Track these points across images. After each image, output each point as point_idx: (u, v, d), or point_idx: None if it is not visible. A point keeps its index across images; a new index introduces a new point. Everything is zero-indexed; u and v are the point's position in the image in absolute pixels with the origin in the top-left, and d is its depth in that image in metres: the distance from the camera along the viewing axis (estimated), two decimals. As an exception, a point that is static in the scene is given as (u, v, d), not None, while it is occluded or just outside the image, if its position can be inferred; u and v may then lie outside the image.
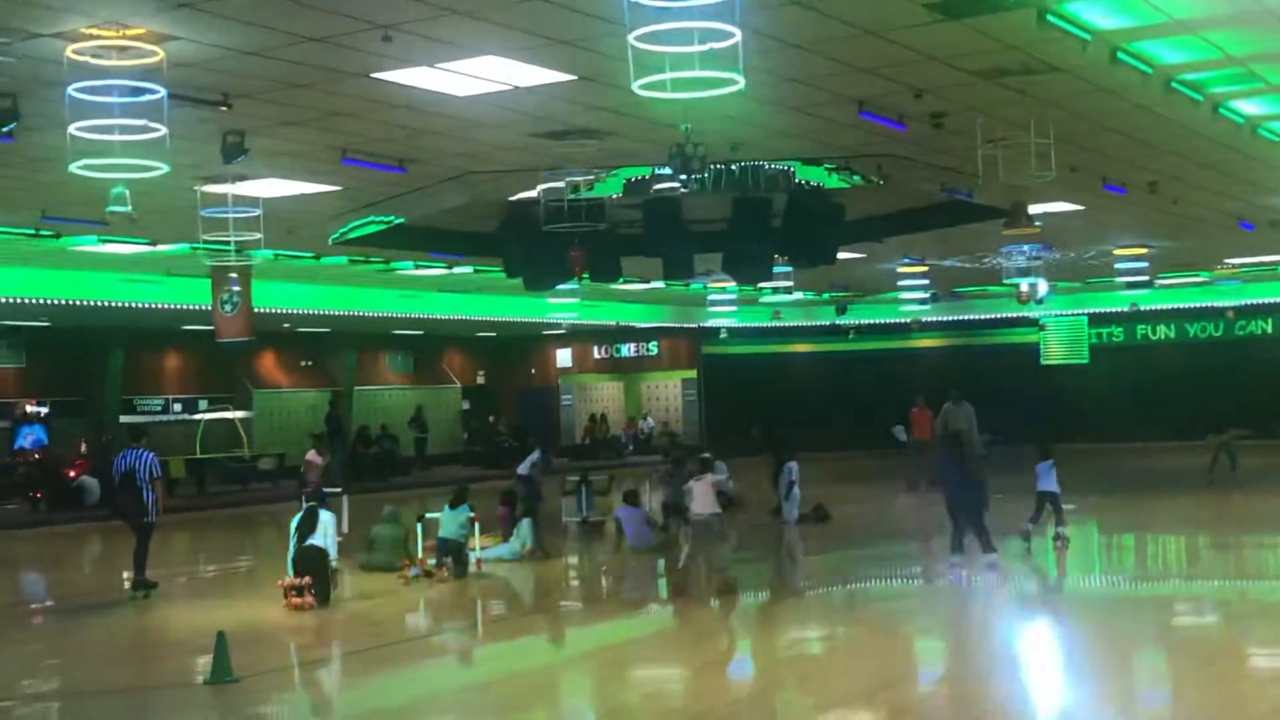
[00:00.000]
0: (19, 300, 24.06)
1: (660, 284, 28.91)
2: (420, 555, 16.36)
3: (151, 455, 15.14)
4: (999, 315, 37.56)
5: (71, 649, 12.62)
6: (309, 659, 12.08)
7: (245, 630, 12.05)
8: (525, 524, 17.47)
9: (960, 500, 14.78)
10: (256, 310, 20.70)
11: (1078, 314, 38.23)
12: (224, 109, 12.24)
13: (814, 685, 10.21)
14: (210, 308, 20.53)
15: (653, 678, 10.93)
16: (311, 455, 19.90)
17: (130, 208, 12.93)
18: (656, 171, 16.66)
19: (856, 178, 16.98)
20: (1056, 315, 37.69)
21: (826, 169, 16.88)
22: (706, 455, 15.39)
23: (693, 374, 41.30)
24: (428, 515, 17.06)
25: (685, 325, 39.45)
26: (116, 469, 15.37)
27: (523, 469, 20.66)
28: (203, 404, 34.13)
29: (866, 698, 9.53)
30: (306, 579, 13.68)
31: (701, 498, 14.19)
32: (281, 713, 10.26)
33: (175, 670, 11.42)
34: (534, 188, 16.03)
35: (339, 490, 19.43)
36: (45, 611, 15.54)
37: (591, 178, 15.43)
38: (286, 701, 10.64)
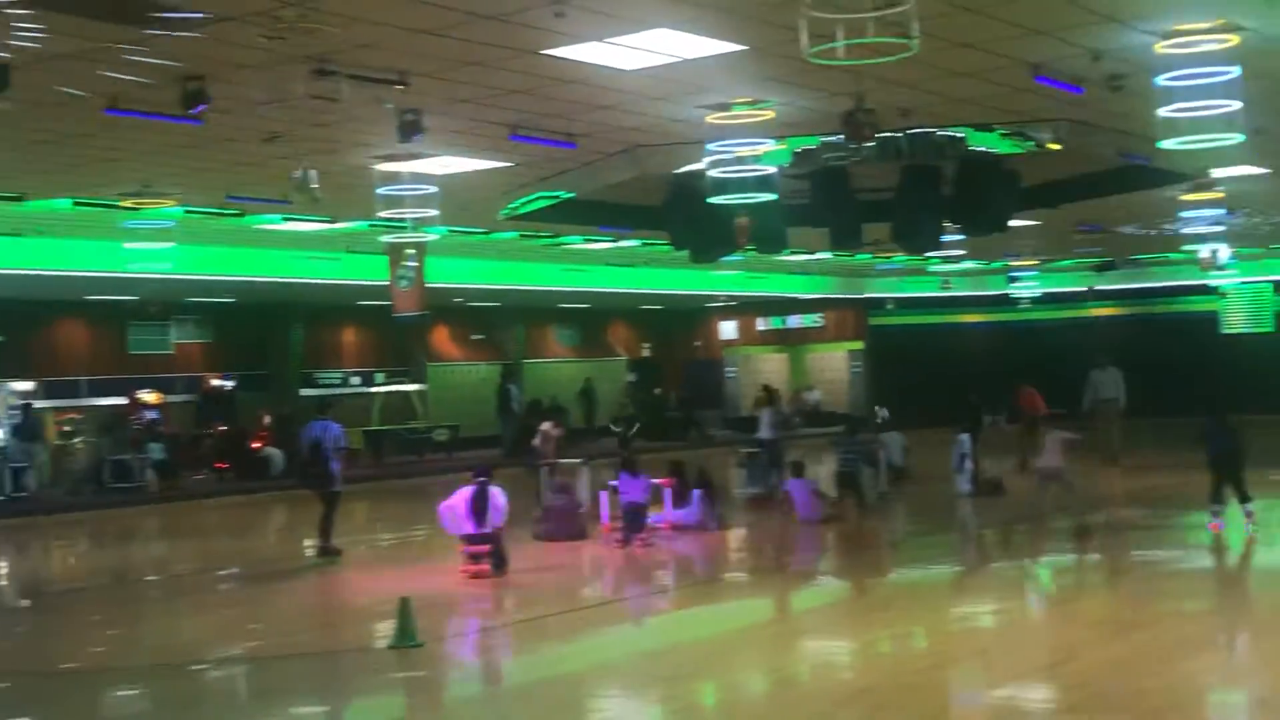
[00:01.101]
0: (207, 278, 24.93)
1: (827, 254, 28.71)
2: (606, 523, 16.72)
3: (338, 427, 15.66)
4: (1177, 283, 36.43)
5: (260, 614, 13.10)
6: (487, 626, 12.37)
7: (425, 597, 12.31)
8: (696, 495, 17.61)
9: (1222, 458, 15.53)
10: (430, 285, 21.17)
11: (1261, 281, 36.88)
12: (400, 88, 12.49)
13: (991, 659, 10.13)
14: (387, 283, 21.07)
15: (823, 650, 10.94)
16: (547, 427, 20.12)
17: (316, 186, 13.30)
18: (824, 140, 16.54)
19: (1030, 143, 16.63)
20: (1239, 282, 36.40)
21: (999, 135, 16.56)
22: (1060, 412, 16.20)
23: (859, 345, 40.96)
24: (609, 483, 17.39)
25: (851, 296, 39.13)
26: (304, 440, 15.93)
27: (764, 431, 20.86)
28: (379, 377, 34.99)
29: (1047, 670, 9.43)
30: (484, 547, 13.98)
31: (1051, 452, 16.72)
32: (463, 677, 10.54)
33: (359, 635, 11.80)
34: (701, 159, 16.04)
35: (579, 460, 19.58)
36: (234, 578, 16.13)
37: (759, 148, 15.37)
38: (467, 666, 10.93)
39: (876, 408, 27.59)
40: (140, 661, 10.95)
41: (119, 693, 9.98)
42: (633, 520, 16.34)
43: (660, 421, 37.32)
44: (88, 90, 12.05)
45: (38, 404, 27.04)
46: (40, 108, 12.65)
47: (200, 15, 9.99)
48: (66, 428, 27.62)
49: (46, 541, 20.43)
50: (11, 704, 9.66)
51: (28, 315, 27.92)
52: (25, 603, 14.84)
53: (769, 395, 23.68)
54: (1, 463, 23.58)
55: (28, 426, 25.04)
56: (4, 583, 16.95)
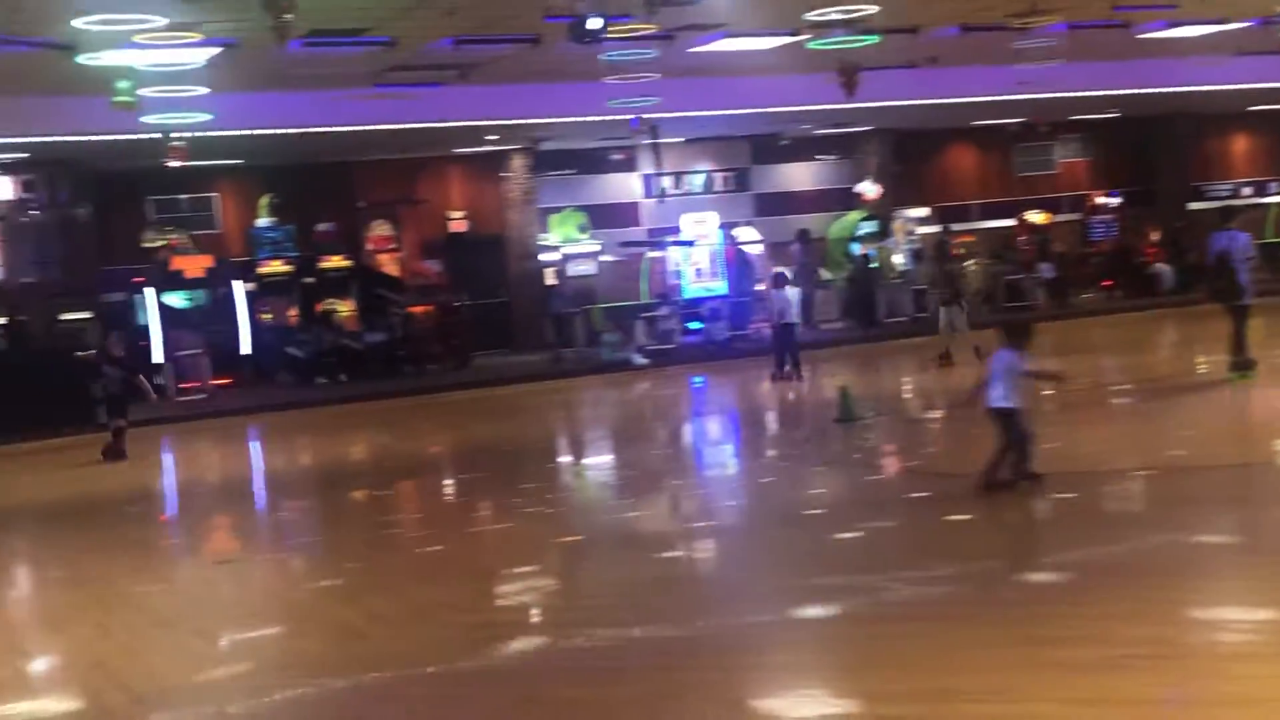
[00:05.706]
0: (1088, 93, 24.73)
1: None
2: None
3: (1245, 236, 15.01)
4: None
5: (1171, 427, 12.94)
6: None
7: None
8: None
9: None
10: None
11: None
12: None
13: None
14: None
15: None
16: None
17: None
18: None
19: None
20: None
21: None
22: None
23: None
24: None
25: None
26: (1211, 251, 15.48)
27: None
28: (1272, 186, 32.98)
29: None
30: None
31: None
32: None
33: (1273, 449, 11.36)
34: None
35: None
36: (1133, 393, 16.03)
37: None
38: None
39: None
40: (1065, 469, 11.08)
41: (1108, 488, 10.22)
42: None
43: None
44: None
45: (924, 230, 28.29)
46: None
47: None
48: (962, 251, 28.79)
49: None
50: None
51: (921, 144, 29.47)
52: (935, 415, 15.86)
53: None
54: (904, 286, 25.25)
55: (931, 250, 26.39)
56: (910, 396, 18.18)
